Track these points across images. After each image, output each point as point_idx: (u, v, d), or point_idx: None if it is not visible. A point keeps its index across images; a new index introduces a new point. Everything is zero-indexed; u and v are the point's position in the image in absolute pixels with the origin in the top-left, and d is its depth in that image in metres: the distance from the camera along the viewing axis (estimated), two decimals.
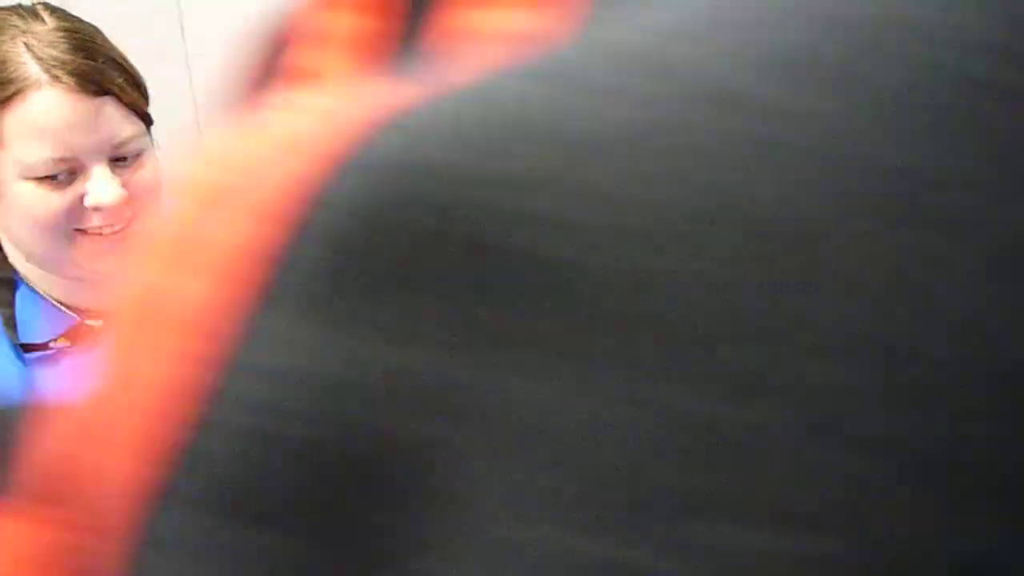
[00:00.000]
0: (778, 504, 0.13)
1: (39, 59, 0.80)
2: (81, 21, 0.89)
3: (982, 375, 0.14)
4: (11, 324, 0.86)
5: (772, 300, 0.14)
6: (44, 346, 0.86)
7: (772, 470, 0.13)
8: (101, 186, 0.80)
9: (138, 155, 0.84)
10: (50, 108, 0.79)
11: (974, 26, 0.15)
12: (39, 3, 0.90)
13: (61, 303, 0.89)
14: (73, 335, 0.87)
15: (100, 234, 0.82)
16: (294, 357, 0.15)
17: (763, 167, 0.14)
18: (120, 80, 0.82)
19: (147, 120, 0.87)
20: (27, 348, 0.86)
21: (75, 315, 0.88)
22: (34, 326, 0.87)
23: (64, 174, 0.80)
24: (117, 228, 0.83)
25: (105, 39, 0.87)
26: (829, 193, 0.14)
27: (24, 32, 0.82)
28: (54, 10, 0.89)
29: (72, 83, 0.79)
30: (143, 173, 0.84)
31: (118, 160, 0.82)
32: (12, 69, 0.80)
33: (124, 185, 0.82)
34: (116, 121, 0.81)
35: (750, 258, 0.14)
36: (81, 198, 0.80)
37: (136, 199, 0.83)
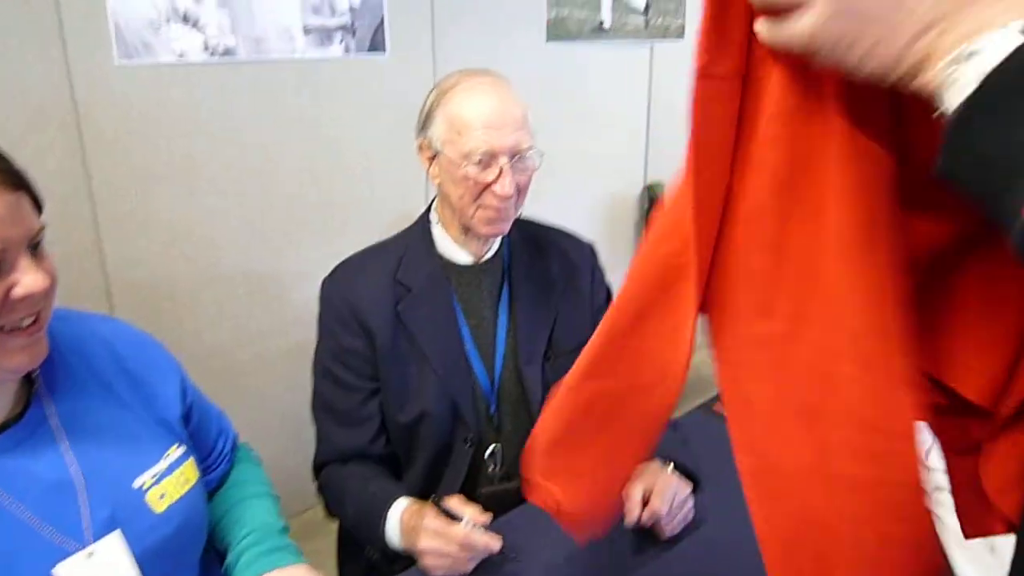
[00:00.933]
0: None
1: None
2: None
3: None
4: None
5: None
6: None
7: None
8: (30, 275, 0.81)
9: (41, 245, 0.85)
10: None
11: None
12: None
13: None
14: None
15: (19, 328, 0.82)
16: None
17: None
18: (25, 174, 0.83)
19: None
20: None
21: None
22: None
23: None
24: (35, 321, 0.84)
25: None
26: None
27: None
28: None
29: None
30: (49, 261, 0.86)
31: (32, 250, 0.83)
32: None
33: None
34: (30, 213, 0.83)
35: None
36: (7, 291, 0.79)
37: (53, 287, 0.85)
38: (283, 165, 2.22)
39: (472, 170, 1.18)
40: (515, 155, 1.20)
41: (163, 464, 0.96)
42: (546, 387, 1.34)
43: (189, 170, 2.05)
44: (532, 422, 1.34)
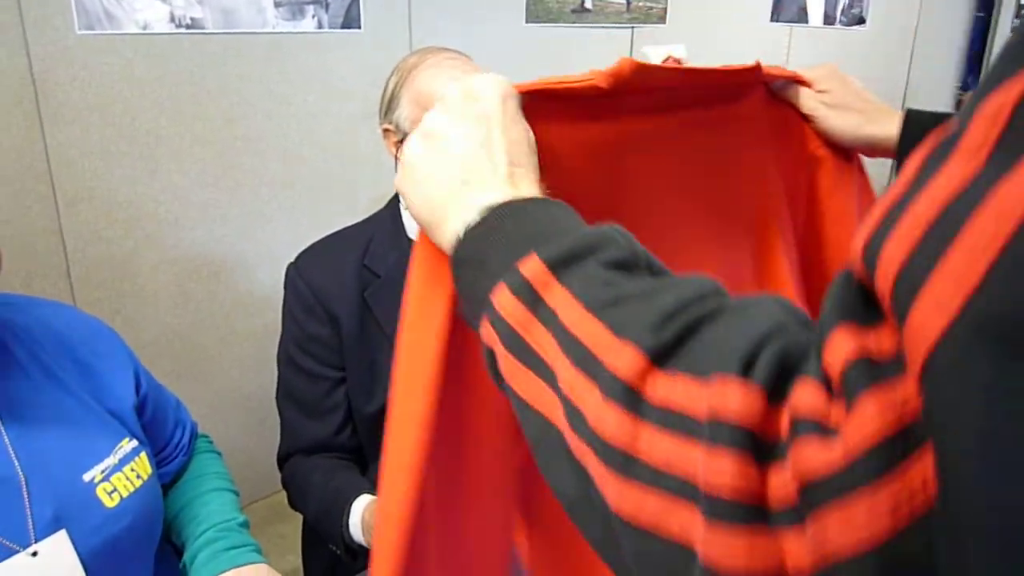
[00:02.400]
0: None
1: None
2: None
3: None
4: None
5: None
6: None
7: None
8: None
9: None
10: None
11: None
12: None
13: None
14: None
15: None
16: None
17: None
18: None
19: None
20: None
21: None
22: None
23: None
24: None
25: None
26: None
27: None
28: None
29: None
30: None
31: None
32: None
33: None
34: None
35: None
36: None
37: None
38: (251, 143, 2.15)
39: None
40: None
41: (114, 458, 0.93)
42: None
43: (152, 147, 1.98)
44: None
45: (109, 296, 2.00)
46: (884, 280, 0.27)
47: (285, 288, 1.28)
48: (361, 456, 1.31)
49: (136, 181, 1.98)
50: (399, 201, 1.32)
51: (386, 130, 1.24)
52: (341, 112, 2.30)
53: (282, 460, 1.31)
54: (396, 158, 1.25)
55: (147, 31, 1.91)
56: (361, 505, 1.15)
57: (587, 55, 2.94)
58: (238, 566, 0.98)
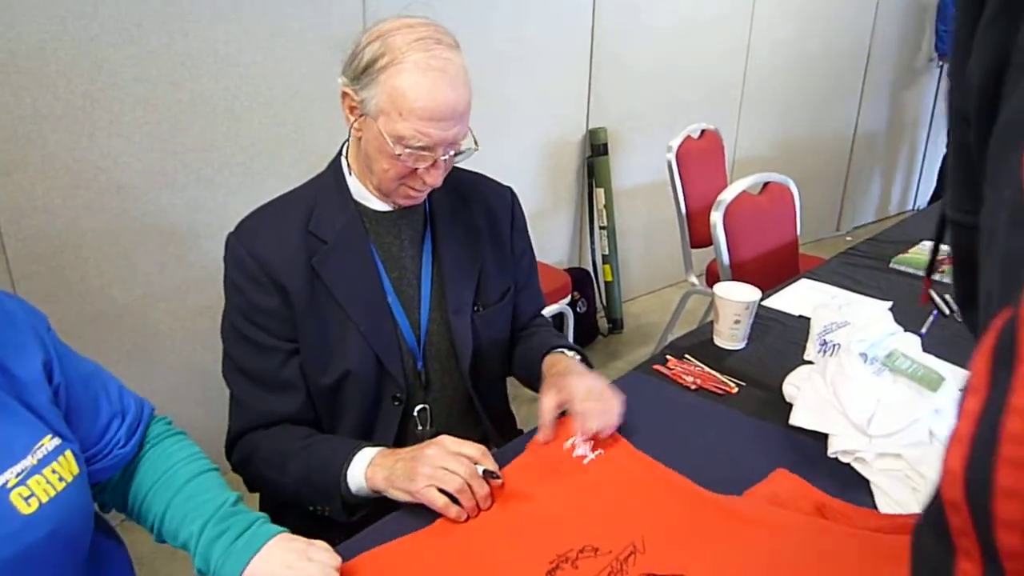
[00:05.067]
0: None
1: None
2: None
3: None
4: None
5: None
6: None
7: None
8: None
9: None
10: None
11: None
12: None
13: None
14: None
15: None
16: None
17: None
18: None
19: None
20: None
21: None
22: None
23: None
24: None
25: None
26: None
27: None
28: None
29: None
30: None
31: None
32: None
33: None
34: None
35: None
36: None
37: None
38: (197, 104, 2.05)
39: (405, 153, 1.11)
40: (451, 147, 1.14)
41: (32, 459, 0.82)
42: (476, 339, 1.30)
43: (89, 110, 1.87)
44: (462, 378, 1.31)
45: (50, 269, 1.90)
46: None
47: (226, 258, 1.21)
48: (319, 429, 1.25)
49: (74, 147, 1.87)
50: (341, 163, 1.25)
51: (347, 94, 1.15)
52: (292, 72, 2.19)
53: (235, 439, 1.24)
54: (350, 125, 1.18)
55: None
56: (370, 452, 1.11)
57: (548, 15, 2.85)
58: (258, 550, 0.91)
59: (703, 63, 3.51)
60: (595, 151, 3.18)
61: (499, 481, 1.05)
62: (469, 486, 1.02)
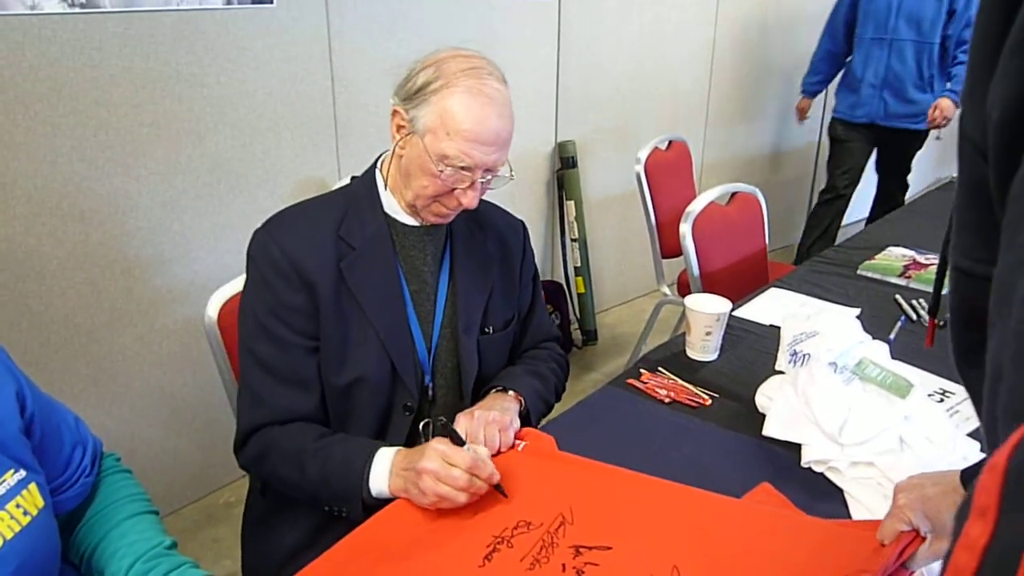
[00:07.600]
0: None
1: None
2: None
3: None
4: None
5: None
6: None
7: None
8: None
9: None
10: None
11: None
12: None
13: None
14: None
15: None
16: None
17: None
18: None
19: None
20: None
21: None
22: None
23: None
24: None
25: None
26: None
27: None
28: None
29: None
30: None
31: None
32: None
33: None
34: None
35: None
36: None
37: None
38: (160, 128, 2.02)
39: (446, 172, 1.17)
40: (490, 171, 1.20)
41: None
42: (480, 361, 1.33)
43: (51, 136, 1.84)
44: (460, 397, 1.33)
45: (12, 298, 1.86)
46: None
47: (253, 253, 1.23)
48: (327, 427, 1.27)
49: (36, 174, 1.84)
50: (376, 177, 1.29)
51: (398, 112, 1.20)
52: (257, 92, 2.18)
53: (247, 434, 1.24)
54: (396, 143, 1.22)
55: (35, 11, 1.76)
56: (391, 452, 1.15)
57: (514, 25, 2.86)
58: None
59: (668, 74, 3.54)
60: (564, 164, 3.19)
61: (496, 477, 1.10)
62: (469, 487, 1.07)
